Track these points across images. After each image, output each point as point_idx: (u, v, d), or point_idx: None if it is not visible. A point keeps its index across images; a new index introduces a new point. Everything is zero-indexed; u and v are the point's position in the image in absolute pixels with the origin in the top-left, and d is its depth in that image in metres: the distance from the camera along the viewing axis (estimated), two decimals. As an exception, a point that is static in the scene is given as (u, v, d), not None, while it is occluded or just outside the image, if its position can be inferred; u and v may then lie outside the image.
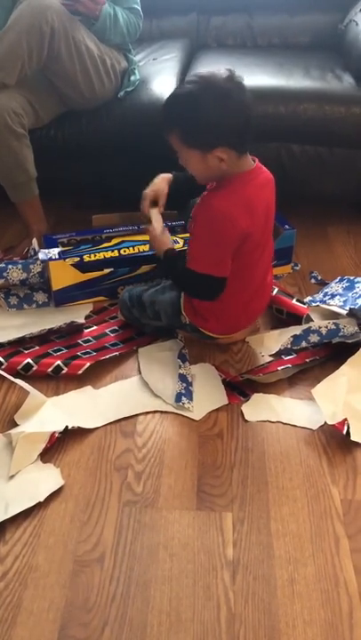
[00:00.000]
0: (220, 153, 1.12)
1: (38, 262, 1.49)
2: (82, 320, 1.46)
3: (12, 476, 1.06)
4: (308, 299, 1.50)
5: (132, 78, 1.83)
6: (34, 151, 1.66)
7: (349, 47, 2.01)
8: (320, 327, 1.32)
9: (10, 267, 1.48)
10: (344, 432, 1.13)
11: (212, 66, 1.96)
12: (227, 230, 1.17)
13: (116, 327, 1.47)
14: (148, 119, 1.74)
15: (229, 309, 1.30)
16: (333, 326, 1.31)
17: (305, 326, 1.34)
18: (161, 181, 1.40)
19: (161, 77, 1.88)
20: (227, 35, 2.28)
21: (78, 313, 1.50)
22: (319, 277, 1.65)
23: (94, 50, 1.67)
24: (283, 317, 1.45)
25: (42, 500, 1.03)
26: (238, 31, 2.27)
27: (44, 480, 1.06)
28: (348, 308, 1.35)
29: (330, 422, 1.14)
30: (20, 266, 1.48)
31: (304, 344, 1.32)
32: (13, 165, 1.62)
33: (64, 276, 1.49)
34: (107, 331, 1.45)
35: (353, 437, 1.14)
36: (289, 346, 1.32)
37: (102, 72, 1.71)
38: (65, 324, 1.41)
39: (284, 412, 1.22)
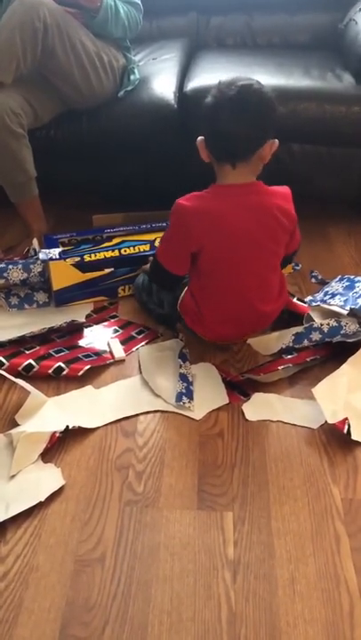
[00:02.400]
0: (198, 141, 1.22)
1: (39, 262, 1.49)
2: (82, 319, 1.46)
3: (12, 476, 1.06)
4: (308, 298, 1.50)
5: (132, 78, 1.83)
6: (33, 151, 1.66)
7: (349, 46, 2.01)
8: (322, 325, 1.32)
9: (10, 267, 1.48)
10: (345, 431, 1.13)
11: (212, 65, 1.97)
12: (180, 227, 1.23)
13: (117, 327, 1.47)
14: (148, 118, 1.74)
15: (207, 320, 1.32)
16: (335, 323, 1.31)
17: (306, 325, 1.34)
18: None
19: (161, 77, 1.88)
20: (226, 34, 2.28)
21: (79, 312, 1.50)
22: (320, 277, 1.65)
23: (90, 46, 1.67)
24: (284, 317, 1.45)
25: (43, 499, 1.03)
26: (238, 31, 2.27)
27: (44, 480, 1.06)
28: (348, 307, 1.34)
29: (330, 421, 1.14)
30: (20, 266, 1.48)
31: (306, 342, 1.32)
32: (13, 166, 1.62)
33: (65, 275, 1.49)
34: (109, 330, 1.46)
35: (353, 436, 1.14)
36: (291, 344, 1.32)
37: (100, 68, 1.71)
38: (65, 323, 1.41)
39: (285, 411, 1.22)
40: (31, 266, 1.49)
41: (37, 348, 1.37)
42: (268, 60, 1.99)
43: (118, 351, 1.37)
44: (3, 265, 1.48)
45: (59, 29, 1.56)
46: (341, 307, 1.36)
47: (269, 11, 2.25)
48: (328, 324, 1.31)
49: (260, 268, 1.28)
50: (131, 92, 1.80)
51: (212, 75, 1.73)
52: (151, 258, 1.51)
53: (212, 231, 1.21)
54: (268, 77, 1.84)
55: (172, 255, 1.29)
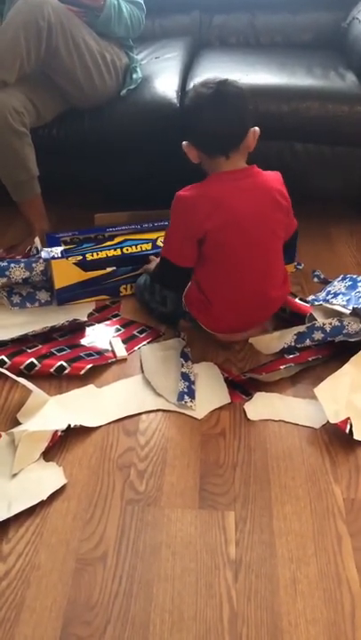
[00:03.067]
0: (185, 146, 1.26)
1: (41, 261, 1.49)
2: (84, 318, 1.46)
3: (14, 475, 1.06)
4: (310, 298, 1.50)
5: (135, 76, 1.83)
6: (36, 149, 1.66)
7: (352, 45, 2.01)
8: (324, 324, 1.31)
9: (12, 265, 1.48)
10: (347, 431, 1.13)
11: (215, 64, 1.97)
12: (182, 217, 1.25)
13: (119, 326, 1.47)
14: (150, 117, 1.74)
15: (214, 308, 1.32)
16: (338, 323, 1.31)
17: (309, 324, 1.34)
18: None
19: (163, 76, 1.88)
20: (229, 33, 2.28)
21: (80, 311, 1.50)
22: (322, 276, 1.65)
23: (93, 45, 1.67)
24: (285, 316, 1.45)
25: (44, 498, 1.03)
26: (241, 29, 2.27)
27: (46, 478, 1.06)
28: (351, 307, 1.34)
29: (332, 421, 1.14)
30: (22, 264, 1.48)
31: (308, 342, 1.32)
32: (15, 164, 1.62)
33: (67, 274, 1.49)
34: (111, 330, 1.46)
35: (356, 436, 1.14)
36: (293, 343, 1.32)
37: (102, 67, 1.71)
38: (67, 322, 1.41)
39: (287, 410, 1.22)
40: (33, 264, 1.49)
41: (39, 346, 1.37)
42: (270, 59, 1.99)
43: (120, 350, 1.37)
44: (5, 263, 1.48)
45: (62, 28, 1.56)
46: (344, 306, 1.36)
47: (272, 10, 2.24)
48: (330, 324, 1.31)
49: (265, 251, 1.29)
50: (133, 91, 1.80)
51: (214, 74, 1.73)
52: (152, 257, 1.52)
53: (214, 215, 1.22)
54: (270, 76, 1.84)
55: (177, 247, 1.28)
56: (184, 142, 1.26)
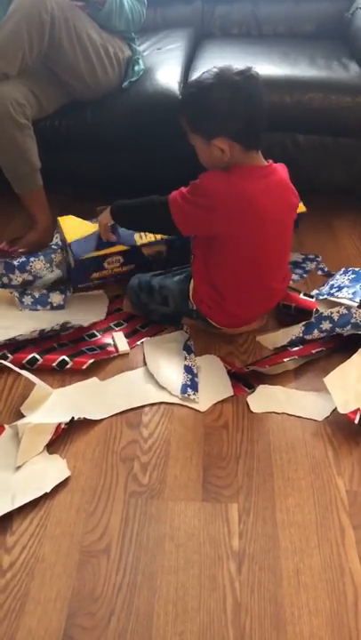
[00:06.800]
0: (220, 143, 1.15)
1: (58, 251, 1.49)
2: (102, 317, 1.45)
3: (18, 467, 1.07)
4: (314, 292, 1.49)
5: (137, 68, 1.82)
6: (38, 142, 1.65)
7: (356, 35, 1.99)
8: (331, 312, 1.31)
9: (32, 259, 1.48)
10: (356, 421, 1.13)
11: (217, 55, 1.95)
12: (207, 212, 1.17)
13: (122, 320, 1.46)
14: (152, 109, 1.73)
15: (228, 304, 1.31)
16: (345, 310, 1.30)
17: (316, 315, 1.33)
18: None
19: (165, 67, 1.87)
20: (232, 24, 2.27)
21: (94, 311, 1.48)
22: (326, 269, 1.64)
23: (96, 38, 1.66)
24: (291, 312, 1.44)
25: (48, 490, 1.03)
26: (243, 20, 2.25)
27: (50, 471, 1.07)
28: (358, 300, 1.33)
29: (342, 411, 1.14)
30: (41, 257, 1.48)
31: (316, 332, 1.31)
32: (17, 156, 1.62)
33: (76, 228, 1.47)
34: (111, 324, 1.45)
35: (364, 427, 1.14)
36: (301, 335, 1.32)
37: (105, 60, 1.70)
38: (87, 323, 1.40)
39: (290, 403, 1.22)
40: (52, 255, 1.48)
41: (43, 341, 1.37)
42: (273, 50, 1.97)
43: (122, 345, 1.37)
44: (24, 259, 1.48)
45: (66, 22, 1.55)
46: (350, 299, 1.35)
47: (275, 0, 2.23)
48: (338, 312, 1.31)
49: (281, 246, 1.29)
50: (135, 83, 1.79)
51: (217, 64, 1.72)
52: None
53: (241, 217, 1.17)
54: (273, 67, 1.83)
55: (190, 225, 1.23)
56: (218, 141, 1.14)
